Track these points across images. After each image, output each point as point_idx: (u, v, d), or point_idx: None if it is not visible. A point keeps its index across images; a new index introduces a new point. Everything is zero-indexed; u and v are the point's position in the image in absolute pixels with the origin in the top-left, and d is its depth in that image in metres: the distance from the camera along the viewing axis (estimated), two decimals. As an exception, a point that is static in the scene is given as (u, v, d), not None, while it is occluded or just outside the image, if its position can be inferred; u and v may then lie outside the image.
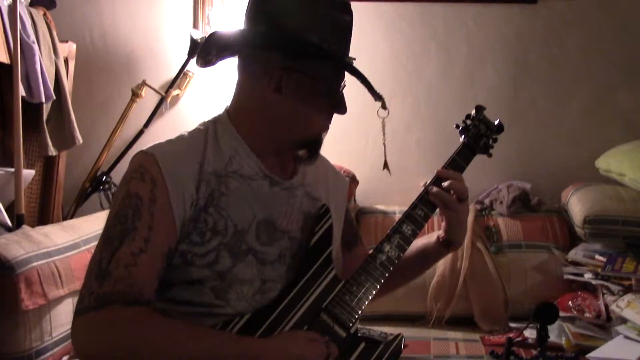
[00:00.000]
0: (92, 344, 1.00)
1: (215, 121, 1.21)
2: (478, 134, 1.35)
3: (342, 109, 1.19)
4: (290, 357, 1.06)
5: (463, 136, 1.35)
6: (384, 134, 1.28)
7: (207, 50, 1.16)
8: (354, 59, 1.17)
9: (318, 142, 1.22)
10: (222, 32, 1.16)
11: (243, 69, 1.19)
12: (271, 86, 1.14)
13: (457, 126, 1.36)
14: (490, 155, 1.37)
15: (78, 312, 1.01)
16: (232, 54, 1.18)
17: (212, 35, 1.15)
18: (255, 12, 1.15)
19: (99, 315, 0.99)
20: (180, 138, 1.17)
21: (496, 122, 1.37)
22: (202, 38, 2.27)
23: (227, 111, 1.22)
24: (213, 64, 1.18)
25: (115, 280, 1.00)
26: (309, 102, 1.16)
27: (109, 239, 1.04)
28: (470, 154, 1.34)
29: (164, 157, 1.09)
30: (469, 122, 1.36)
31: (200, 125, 1.21)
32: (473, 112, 1.37)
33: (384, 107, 1.21)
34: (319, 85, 1.15)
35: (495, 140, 1.37)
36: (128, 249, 1.02)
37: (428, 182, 1.29)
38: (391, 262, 1.21)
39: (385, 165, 1.34)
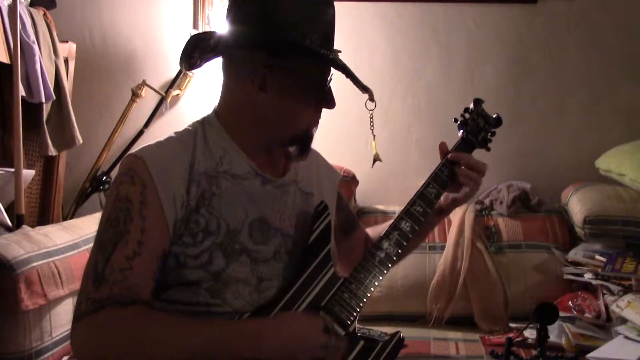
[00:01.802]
0: (93, 347, 1.00)
1: (204, 122, 1.21)
2: (477, 128, 1.35)
3: (330, 103, 1.19)
4: (289, 338, 1.06)
5: (462, 130, 1.34)
6: (372, 126, 1.28)
7: (189, 54, 1.15)
8: (340, 52, 1.17)
9: (308, 138, 1.21)
10: (204, 34, 1.17)
11: (227, 69, 1.18)
12: (255, 85, 1.13)
13: (456, 120, 1.36)
14: (488, 149, 1.37)
15: (76, 318, 1.02)
16: (216, 55, 1.17)
17: (193, 37, 1.15)
18: (236, 12, 1.15)
19: (98, 317, 1.00)
20: (169, 139, 1.17)
21: (494, 116, 1.37)
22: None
23: (216, 111, 1.22)
24: (198, 66, 1.18)
25: (111, 285, 1.01)
26: (295, 98, 1.15)
27: (102, 244, 1.05)
28: (469, 148, 1.34)
29: (152, 159, 1.09)
30: (467, 115, 1.36)
31: (189, 126, 1.21)
32: (471, 105, 1.36)
33: (371, 99, 1.20)
34: (304, 81, 1.15)
35: (493, 134, 1.37)
36: (122, 252, 1.03)
37: (435, 169, 1.29)
38: (390, 259, 1.21)
39: (376, 159, 1.35)
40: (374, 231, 1.46)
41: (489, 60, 2.50)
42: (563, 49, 2.47)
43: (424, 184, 1.29)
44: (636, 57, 2.44)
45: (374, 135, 1.30)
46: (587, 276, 1.94)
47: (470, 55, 2.50)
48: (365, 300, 1.18)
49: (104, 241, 1.05)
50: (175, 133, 1.19)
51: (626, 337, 1.66)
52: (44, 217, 2.27)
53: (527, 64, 2.48)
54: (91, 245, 1.62)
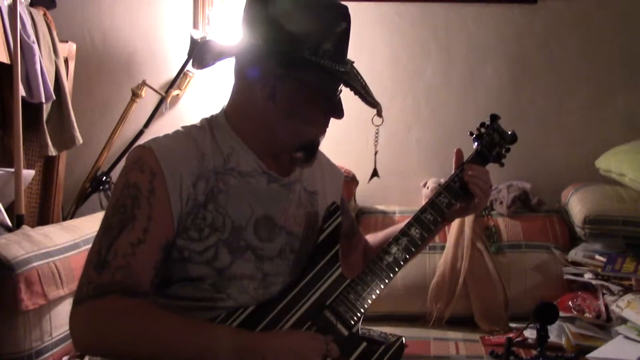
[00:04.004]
0: (92, 332, 1.00)
1: (212, 120, 1.22)
2: (492, 143, 1.36)
3: (338, 114, 1.19)
4: (288, 352, 1.05)
5: (476, 144, 1.35)
6: (376, 142, 1.28)
7: (202, 56, 1.16)
8: (353, 62, 1.17)
9: (315, 146, 1.23)
10: (217, 42, 1.17)
11: (238, 72, 1.19)
12: (265, 93, 1.14)
13: (471, 133, 1.37)
14: (502, 165, 1.38)
15: (77, 302, 1.01)
16: (228, 57, 1.18)
17: (207, 43, 1.16)
18: (251, 20, 1.14)
19: (99, 304, 1.00)
20: (177, 134, 1.17)
21: (510, 132, 1.37)
22: (203, 38, 2.27)
23: (224, 112, 1.22)
24: (209, 65, 1.18)
25: (114, 270, 1.01)
26: (304, 109, 1.16)
27: (107, 229, 1.05)
28: (483, 162, 1.34)
29: (161, 150, 1.10)
30: (483, 130, 1.36)
31: (197, 123, 1.22)
32: (487, 120, 1.37)
33: (379, 114, 1.21)
34: (314, 92, 1.15)
35: (508, 150, 1.38)
36: (127, 238, 1.03)
37: (448, 179, 1.30)
38: (397, 263, 1.22)
39: (374, 174, 1.35)
40: (373, 238, 1.46)
41: (489, 60, 2.50)
42: (563, 49, 2.47)
43: (436, 192, 1.30)
44: (636, 57, 2.44)
45: (376, 152, 1.30)
46: (587, 276, 1.94)
47: (470, 55, 2.50)
48: (370, 302, 1.19)
49: (110, 226, 1.05)
50: (183, 128, 1.19)
51: (626, 337, 1.66)
52: (44, 217, 2.27)
53: (527, 64, 2.49)
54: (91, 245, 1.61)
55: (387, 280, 1.21)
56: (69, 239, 1.77)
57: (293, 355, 1.05)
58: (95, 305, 1.00)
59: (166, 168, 1.08)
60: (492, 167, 1.36)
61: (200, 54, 1.16)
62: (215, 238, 1.11)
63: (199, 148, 1.14)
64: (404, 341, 1.20)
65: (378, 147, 1.30)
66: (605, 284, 1.88)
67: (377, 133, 1.27)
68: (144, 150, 1.10)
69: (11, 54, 1.94)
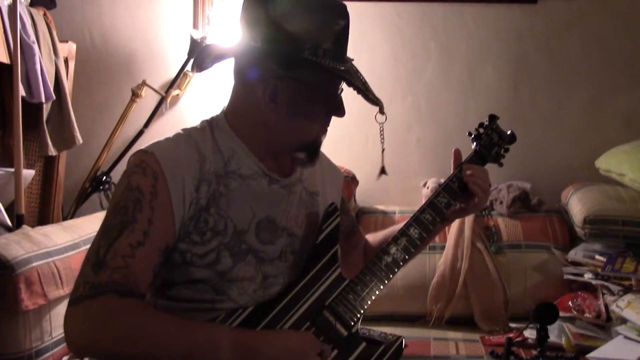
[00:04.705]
0: (87, 332, 0.98)
1: (212, 122, 1.21)
2: (490, 143, 1.36)
3: (340, 112, 1.19)
4: (284, 349, 1.05)
5: (475, 144, 1.35)
6: (382, 139, 1.28)
7: (202, 60, 1.16)
8: (352, 60, 1.17)
9: (317, 145, 1.22)
10: (217, 45, 1.17)
11: (238, 74, 1.19)
12: (266, 95, 1.13)
13: (470, 134, 1.37)
14: (501, 165, 1.38)
15: (72, 302, 1.00)
16: (227, 57, 1.18)
17: (207, 47, 1.16)
18: (249, 21, 1.14)
19: (95, 304, 0.98)
20: (178, 137, 1.17)
21: (509, 132, 1.38)
22: (203, 38, 2.27)
23: (225, 113, 1.22)
24: (208, 67, 1.18)
25: (111, 270, 1.00)
26: (306, 109, 1.16)
27: (107, 230, 1.04)
28: (481, 162, 1.34)
29: (163, 155, 1.10)
30: (481, 130, 1.36)
31: (197, 125, 1.21)
32: (486, 120, 1.37)
33: (381, 112, 1.21)
34: (315, 92, 1.15)
35: (507, 150, 1.38)
36: (126, 240, 1.02)
37: (447, 179, 1.30)
38: (396, 264, 1.22)
39: (382, 172, 1.35)
40: (373, 237, 1.47)
41: (489, 60, 2.50)
42: (563, 49, 2.47)
43: (435, 193, 1.30)
44: (636, 57, 2.44)
45: (383, 149, 1.30)
46: (587, 276, 1.94)
47: (470, 55, 2.50)
48: (369, 302, 1.19)
49: (110, 227, 1.04)
50: (184, 130, 1.19)
51: (626, 337, 1.66)
52: (44, 217, 2.27)
53: (527, 64, 2.48)
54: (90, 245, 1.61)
55: (386, 281, 1.21)
56: (69, 239, 1.77)
57: (289, 352, 1.05)
58: (92, 305, 0.98)
59: (169, 173, 1.08)
60: (492, 167, 1.36)
61: (200, 58, 1.15)
62: (217, 242, 1.11)
63: (200, 151, 1.14)
64: (403, 341, 1.21)
65: (379, 145, 1.29)
66: (605, 284, 1.88)
67: (382, 130, 1.27)
68: (146, 155, 1.09)
69: (11, 54, 1.94)
